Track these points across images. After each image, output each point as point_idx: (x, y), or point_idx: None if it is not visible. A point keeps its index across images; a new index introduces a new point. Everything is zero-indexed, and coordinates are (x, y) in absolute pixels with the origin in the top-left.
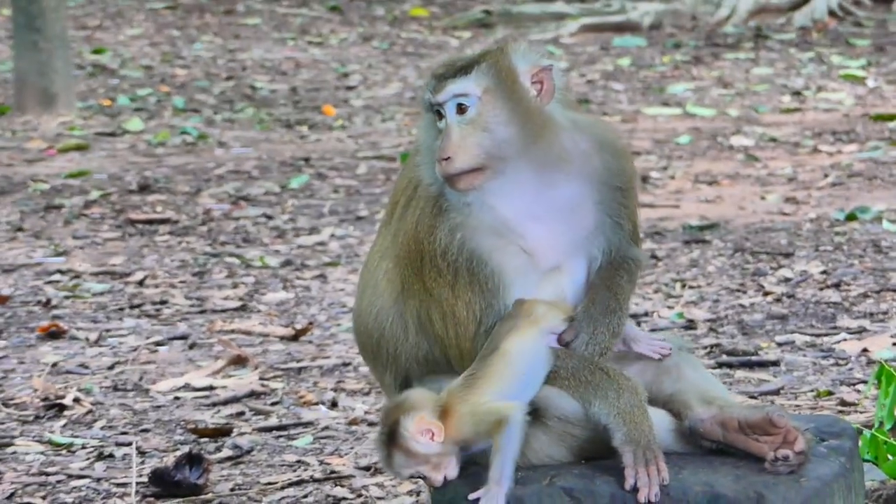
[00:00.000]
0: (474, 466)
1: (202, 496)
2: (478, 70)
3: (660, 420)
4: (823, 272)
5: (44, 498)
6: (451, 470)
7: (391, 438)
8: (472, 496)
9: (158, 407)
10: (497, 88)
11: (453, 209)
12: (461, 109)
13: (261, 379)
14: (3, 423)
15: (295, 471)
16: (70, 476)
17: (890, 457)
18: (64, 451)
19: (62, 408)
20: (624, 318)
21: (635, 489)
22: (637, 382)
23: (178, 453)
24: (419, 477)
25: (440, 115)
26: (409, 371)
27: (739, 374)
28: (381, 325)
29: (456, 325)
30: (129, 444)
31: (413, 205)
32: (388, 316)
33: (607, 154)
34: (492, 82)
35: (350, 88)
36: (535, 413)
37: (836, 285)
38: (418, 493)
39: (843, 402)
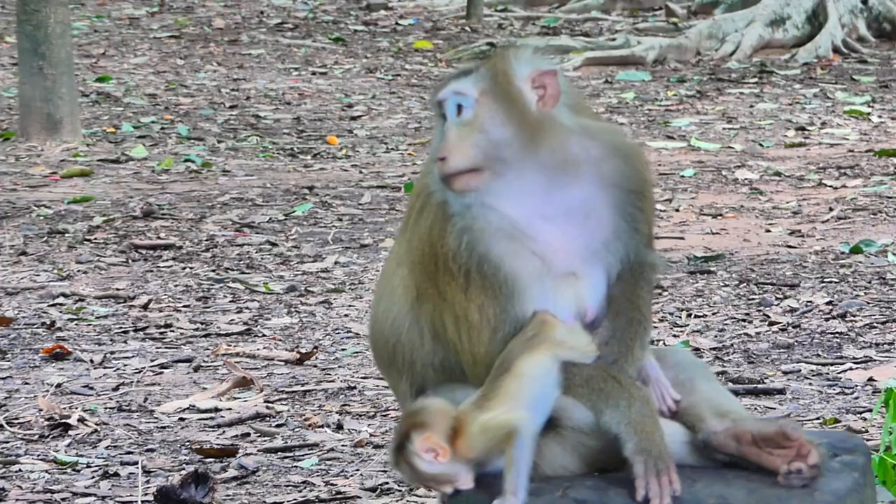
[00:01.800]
0: (490, 476)
1: None
2: (476, 73)
3: (673, 432)
4: (829, 303)
5: None
6: (465, 483)
7: (399, 450)
8: None
9: (163, 427)
10: (493, 90)
11: (460, 213)
12: (459, 110)
13: (266, 401)
14: (8, 442)
15: (300, 491)
16: (75, 494)
17: None
18: (69, 470)
19: (67, 427)
20: (650, 329)
21: (647, 500)
22: (649, 393)
23: (184, 472)
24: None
25: (444, 118)
26: (424, 378)
27: (745, 401)
28: (398, 332)
29: (469, 329)
30: (135, 463)
31: (427, 210)
32: (404, 322)
33: (620, 158)
34: (488, 84)
35: (354, 119)
36: (549, 423)
37: (842, 316)
38: None
39: (850, 430)
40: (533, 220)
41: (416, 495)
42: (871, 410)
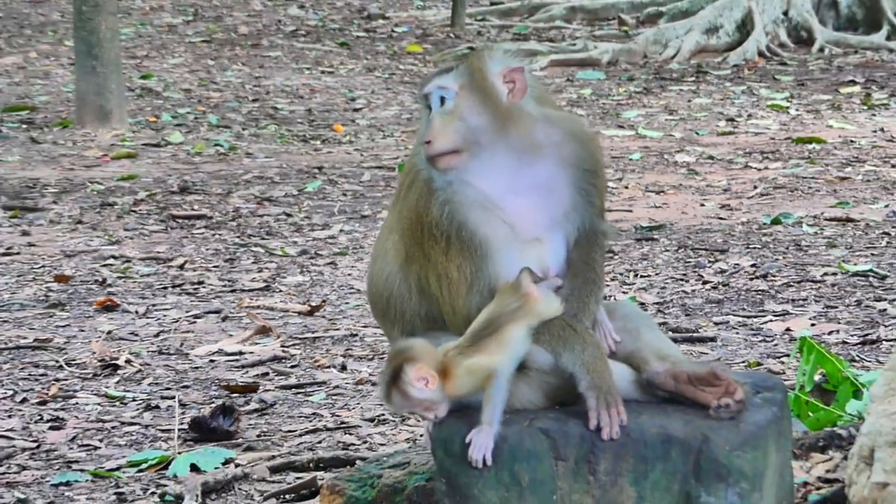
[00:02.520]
0: (468, 409)
1: (234, 441)
2: (456, 70)
3: (622, 372)
4: (753, 265)
5: (101, 441)
6: (441, 411)
7: (393, 380)
8: (467, 438)
9: (196, 368)
10: (471, 85)
11: (443, 188)
12: (442, 101)
13: (282, 346)
14: (67, 380)
15: (311, 421)
16: (123, 423)
17: (811, 413)
18: (117, 403)
19: (116, 367)
20: (603, 287)
21: (598, 429)
22: (600, 339)
23: (214, 405)
24: (410, 413)
25: (429, 108)
26: (413, 327)
27: (682, 347)
28: (390, 288)
29: (449, 285)
30: (173, 397)
31: (414, 186)
32: (396, 279)
33: (578, 142)
34: (466, 80)
35: (356, 110)
36: (519, 367)
37: (764, 276)
38: (414, 441)
39: (770, 371)
40: (504, 193)
41: (409, 424)
42: (787, 355)
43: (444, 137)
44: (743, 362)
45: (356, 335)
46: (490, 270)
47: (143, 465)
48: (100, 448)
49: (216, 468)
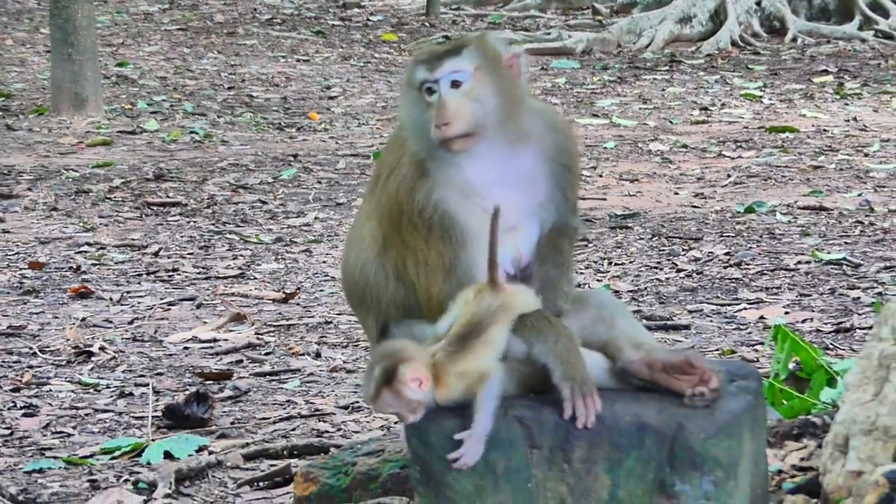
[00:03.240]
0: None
1: (207, 428)
2: (468, 51)
3: (596, 361)
4: (727, 254)
5: (74, 428)
6: (421, 414)
7: (386, 381)
8: (457, 436)
9: (171, 355)
10: (485, 67)
11: (430, 174)
12: (455, 84)
13: (256, 333)
14: (40, 367)
15: (285, 408)
16: (96, 410)
17: (785, 401)
18: (91, 390)
19: (90, 354)
20: (573, 273)
21: (573, 418)
22: (573, 331)
23: (187, 392)
24: (393, 413)
25: (430, 92)
26: (387, 315)
27: (657, 335)
28: (366, 276)
29: (427, 271)
30: (146, 384)
31: (394, 174)
32: (372, 267)
33: (559, 135)
34: (481, 62)
35: (332, 98)
36: None
37: (738, 264)
38: (388, 428)
39: (744, 359)
40: (489, 183)
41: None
42: (762, 343)
43: (461, 119)
44: (717, 350)
45: (331, 322)
46: (468, 257)
47: (117, 453)
48: (73, 435)
49: (190, 455)
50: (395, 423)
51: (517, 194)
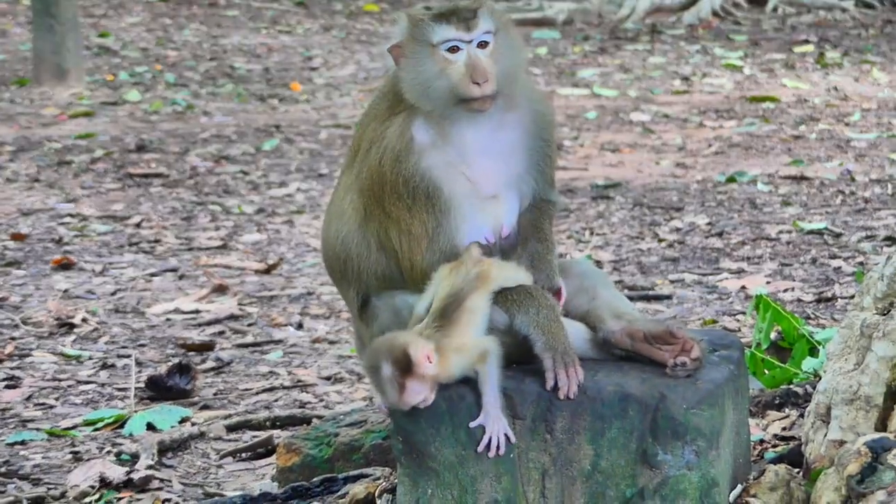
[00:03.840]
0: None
1: (190, 399)
2: (488, 13)
3: (578, 331)
4: (708, 223)
5: (57, 399)
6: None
7: (406, 370)
8: (472, 424)
9: (153, 326)
10: (502, 30)
11: (416, 143)
12: (482, 45)
13: (239, 304)
14: (22, 339)
15: (267, 379)
16: (79, 382)
17: (767, 371)
18: (74, 362)
19: (72, 326)
20: (555, 247)
21: (555, 388)
22: (555, 302)
23: (170, 363)
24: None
25: (454, 50)
26: (368, 286)
27: (639, 305)
28: (347, 248)
29: (410, 240)
30: (129, 356)
31: (376, 146)
32: (354, 239)
33: (539, 107)
34: (499, 24)
35: (313, 69)
36: None
37: (719, 234)
38: (371, 399)
39: (726, 329)
40: (475, 152)
41: (365, 383)
42: (743, 313)
43: (493, 79)
44: (699, 320)
45: (313, 293)
46: (451, 226)
47: (99, 424)
48: (55, 407)
49: (172, 427)
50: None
51: (499, 164)
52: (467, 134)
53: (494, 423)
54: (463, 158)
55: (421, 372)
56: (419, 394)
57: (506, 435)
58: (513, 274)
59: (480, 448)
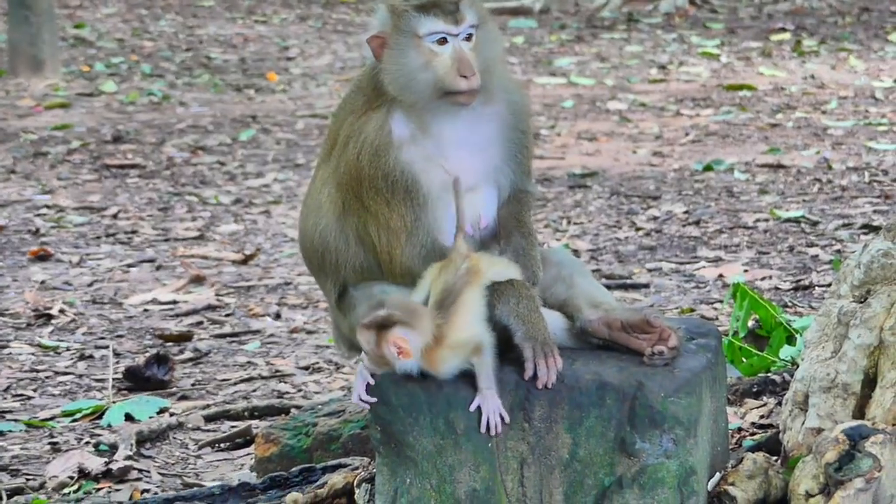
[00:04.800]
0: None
1: (168, 390)
2: (470, 5)
3: (555, 320)
4: (685, 212)
5: (35, 390)
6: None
7: (379, 326)
8: (471, 407)
9: (131, 317)
10: (484, 22)
11: (394, 137)
12: (468, 38)
13: (216, 295)
14: (0, 330)
15: (245, 369)
16: (57, 373)
17: (744, 359)
18: (51, 353)
19: (50, 317)
20: (537, 239)
21: (535, 377)
22: (535, 292)
23: (148, 354)
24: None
25: (442, 42)
26: (346, 278)
27: (616, 294)
28: (325, 241)
29: (388, 234)
30: (107, 346)
31: (354, 140)
32: (332, 232)
33: (515, 98)
34: (482, 17)
35: (290, 59)
36: None
37: (696, 223)
38: (349, 389)
39: (703, 317)
40: (453, 145)
41: (343, 372)
42: (721, 301)
43: (477, 73)
44: (676, 308)
45: (290, 283)
46: (429, 219)
47: (78, 415)
48: (34, 398)
49: (151, 417)
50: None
51: (477, 156)
52: (446, 127)
53: (489, 403)
54: (441, 152)
55: (382, 345)
56: (367, 345)
57: (500, 415)
58: (503, 268)
59: (482, 429)
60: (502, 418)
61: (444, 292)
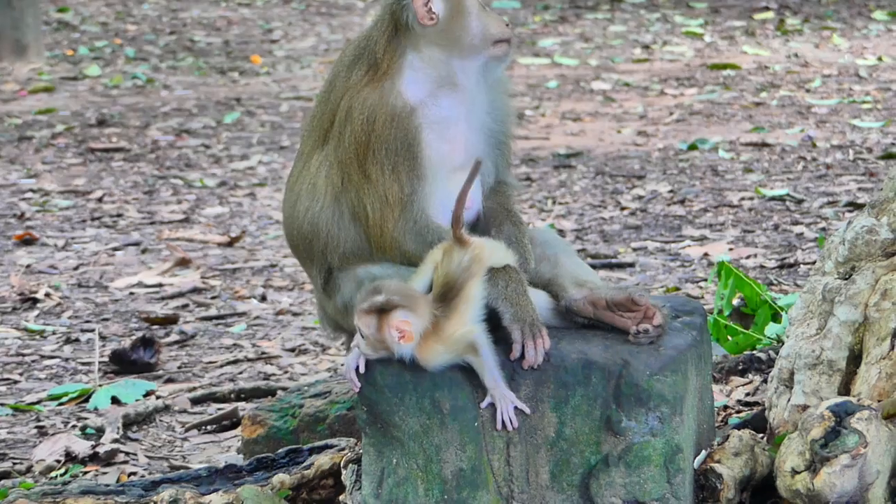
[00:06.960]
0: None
1: (154, 373)
2: None
3: (540, 300)
4: (670, 191)
5: (21, 374)
6: (373, 357)
7: (380, 310)
8: (483, 405)
9: (116, 300)
10: None
11: (410, 102)
12: None
13: (202, 278)
14: None
15: (231, 352)
16: (43, 357)
17: (730, 337)
18: (37, 337)
19: (35, 301)
20: (526, 228)
21: (521, 358)
22: (522, 274)
23: (134, 337)
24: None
25: None
26: (331, 265)
27: (602, 273)
28: (316, 225)
29: (383, 207)
30: (93, 330)
31: (358, 110)
32: (325, 214)
33: (501, 86)
34: None
35: (273, 42)
36: None
37: (681, 202)
38: (335, 370)
39: (689, 296)
40: (457, 118)
41: (328, 354)
42: (706, 280)
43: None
44: (662, 287)
45: (276, 266)
46: (424, 193)
47: (64, 399)
48: (20, 382)
49: (137, 400)
50: (341, 364)
51: (470, 134)
52: (445, 101)
53: (502, 400)
54: (447, 123)
55: (384, 329)
56: (367, 329)
57: (516, 407)
58: (501, 255)
59: (499, 427)
60: (520, 410)
61: (447, 285)
